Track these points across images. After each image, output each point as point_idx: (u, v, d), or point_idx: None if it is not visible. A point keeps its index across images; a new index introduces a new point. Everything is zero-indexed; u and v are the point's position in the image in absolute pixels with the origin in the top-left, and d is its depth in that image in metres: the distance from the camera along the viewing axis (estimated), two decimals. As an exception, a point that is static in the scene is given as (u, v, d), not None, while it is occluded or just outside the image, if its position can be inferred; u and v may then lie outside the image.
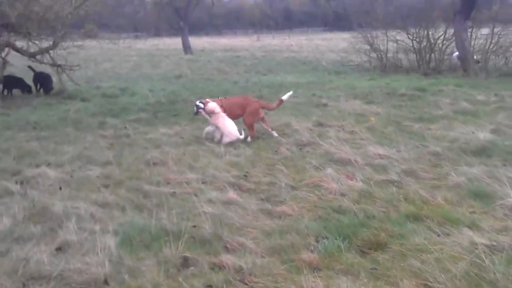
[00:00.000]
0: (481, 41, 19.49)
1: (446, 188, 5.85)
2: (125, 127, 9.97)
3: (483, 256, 3.90)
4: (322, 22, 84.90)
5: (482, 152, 7.26)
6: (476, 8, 19.17)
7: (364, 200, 5.53)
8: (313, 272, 3.92)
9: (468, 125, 9.07)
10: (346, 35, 30.47)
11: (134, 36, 59.90)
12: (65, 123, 10.51)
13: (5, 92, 15.04)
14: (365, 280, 3.79)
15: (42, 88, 15.33)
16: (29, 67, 15.59)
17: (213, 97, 9.70)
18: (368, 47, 21.08)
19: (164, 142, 8.59)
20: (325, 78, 18.35)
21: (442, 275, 3.72)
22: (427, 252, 4.12)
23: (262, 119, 8.95)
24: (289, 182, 6.19)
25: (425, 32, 19.44)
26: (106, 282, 3.83)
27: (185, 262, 4.10)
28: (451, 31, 19.08)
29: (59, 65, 15.30)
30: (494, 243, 4.22)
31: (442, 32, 19.46)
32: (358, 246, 4.33)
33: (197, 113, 8.88)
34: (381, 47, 20.69)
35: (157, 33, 68.59)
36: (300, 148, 7.95)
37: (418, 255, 4.10)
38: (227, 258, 4.08)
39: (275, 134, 8.85)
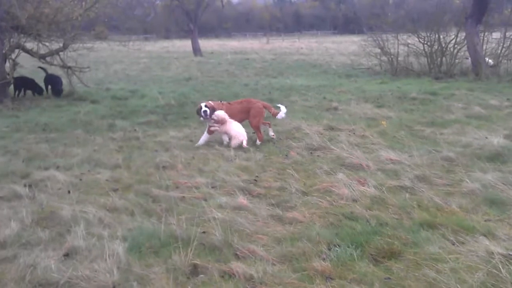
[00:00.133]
0: (493, 45, 19.35)
1: (460, 195, 5.74)
2: (135, 130, 9.94)
3: (500, 266, 3.80)
4: (332, 25, 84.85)
5: (496, 157, 7.13)
6: (488, 12, 19.02)
7: (376, 206, 5.43)
8: (326, 281, 3.84)
9: (481, 130, 8.96)
10: (356, 38, 30.44)
11: (143, 38, 60.05)
12: (74, 125, 10.51)
13: (17, 93, 15.07)
14: (379, 291, 3.71)
15: (52, 90, 15.34)
16: (41, 67, 15.63)
17: (222, 100, 9.63)
18: (378, 50, 20.96)
19: (173, 145, 8.55)
20: (336, 81, 18.27)
21: (458, 286, 3.63)
22: (442, 262, 4.02)
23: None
24: (300, 187, 6.11)
25: (436, 35, 19.30)
26: (114, 290, 3.77)
27: (195, 270, 4.03)
28: (462, 35, 18.94)
29: (69, 67, 15.36)
30: (511, 253, 4.11)
31: (453, 36, 19.32)
32: (371, 254, 4.23)
33: (204, 117, 8.57)
34: (392, 51, 20.54)
35: (167, 35, 68.73)
36: (311, 152, 7.86)
37: (433, 264, 4.00)
38: (237, 266, 4.00)
39: (271, 132, 8.91)
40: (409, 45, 20.28)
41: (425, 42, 19.60)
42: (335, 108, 11.97)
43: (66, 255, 4.33)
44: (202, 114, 8.50)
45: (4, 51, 14.25)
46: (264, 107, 8.88)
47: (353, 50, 29.48)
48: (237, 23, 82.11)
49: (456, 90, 14.42)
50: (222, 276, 3.94)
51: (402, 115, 10.91)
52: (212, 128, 8.51)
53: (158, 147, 8.50)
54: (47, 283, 3.87)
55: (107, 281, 3.80)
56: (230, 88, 16.80)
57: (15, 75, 14.89)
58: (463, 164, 6.89)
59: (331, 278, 3.89)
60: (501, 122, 9.79)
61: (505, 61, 18.76)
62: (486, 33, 19.08)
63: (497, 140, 7.85)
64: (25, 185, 6.30)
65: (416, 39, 19.95)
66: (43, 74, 15.79)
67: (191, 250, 4.18)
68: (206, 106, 8.52)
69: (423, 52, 19.78)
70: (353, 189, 5.82)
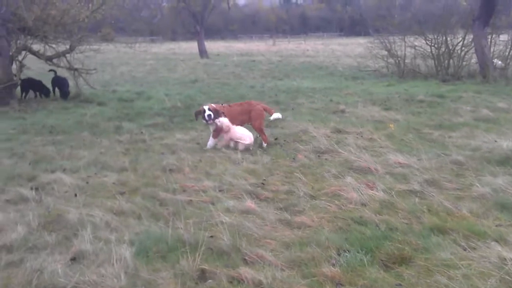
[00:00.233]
0: (501, 47, 19.25)
1: (471, 199, 5.67)
2: (141, 132, 9.91)
3: (513, 273, 3.74)
4: (338, 27, 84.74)
5: (506, 161, 7.04)
6: (495, 14, 18.91)
7: (385, 210, 5.36)
8: (336, 287, 3.78)
9: (490, 133, 8.88)
10: (362, 40, 30.34)
11: (150, 40, 60.17)
12: (81, 128, 10.50)
13: (24, 94, 15.08)
14: (390, 297, 3.65)
15: (59, 92, 15.35)
16: (52, 70, 15.64)
17: (229, 101, 9.58)
18: (385, 52, 20.88)
19: (180, 147, 8.50)
20: (342, 84, 18.21)
21: (471, 293, 3.57)
22: (454, 268, 3.97)
23: None
24: (308, 191, 6.04)
25: (444, 38, 19.21)
26: (121, 295, 3.73)
27: (203, 275, 3.98)
28: (469, 37, 18.84)
29: (75, 69, 15.36)
30: (523, 259, 4.05)
31: (460, 38, 19.22)
32: (382, 260, 4.17)
33: (207, 121, 8.45)
34: (399, 53, 20.46)
35: (173, 37, 68.82)
36: (319, 156, 7.80)
37: (445, 270, 3.94)
38: (246, 271, 3.94)
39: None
40: (416, 47, 20.18)
41: (432, 44, 19.50)
42: (342, 111, 11.91)
43: (73, 259, 4.29)
44: (206, 117, 8.39)
45: (11, 53, 14.28)
46: (264, 109, 8.85)
47: (359, 52, 29.39)
48: (243, 25, 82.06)
49: (463, 92, 14.33)
50: (231, 282, 3.89)
51: (409, 118, 10.83)
52: (219, 144, 8.46)
53: (164, 149, 8.46)
54: (54, 288, 3.83)
55: (114, 286, 3.76)
56: (236, 90, 16.76)
57: (22, 77, 14.91)
58: (473, 168, 6.81)
59: (341, 284, 3.83)
60: (510, 125, 9.70)
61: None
62: (493, 35, 18.97)
63: (506, 144, 7.74)
64: (31, 188, 6.26)
65: (423, 41, 19.84)
66: (50, 76, 15.79)
67: (199, 254, 4.13)
68: (209, 109, 8.43)
69: (430, 54, 19.68)
70: (361, 193, 5.75)
